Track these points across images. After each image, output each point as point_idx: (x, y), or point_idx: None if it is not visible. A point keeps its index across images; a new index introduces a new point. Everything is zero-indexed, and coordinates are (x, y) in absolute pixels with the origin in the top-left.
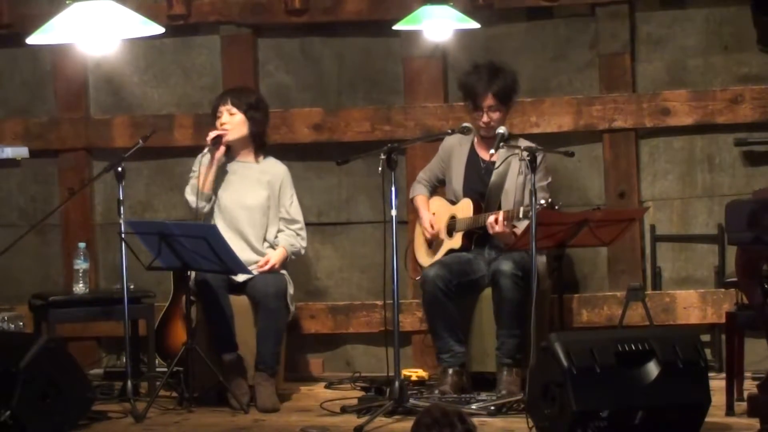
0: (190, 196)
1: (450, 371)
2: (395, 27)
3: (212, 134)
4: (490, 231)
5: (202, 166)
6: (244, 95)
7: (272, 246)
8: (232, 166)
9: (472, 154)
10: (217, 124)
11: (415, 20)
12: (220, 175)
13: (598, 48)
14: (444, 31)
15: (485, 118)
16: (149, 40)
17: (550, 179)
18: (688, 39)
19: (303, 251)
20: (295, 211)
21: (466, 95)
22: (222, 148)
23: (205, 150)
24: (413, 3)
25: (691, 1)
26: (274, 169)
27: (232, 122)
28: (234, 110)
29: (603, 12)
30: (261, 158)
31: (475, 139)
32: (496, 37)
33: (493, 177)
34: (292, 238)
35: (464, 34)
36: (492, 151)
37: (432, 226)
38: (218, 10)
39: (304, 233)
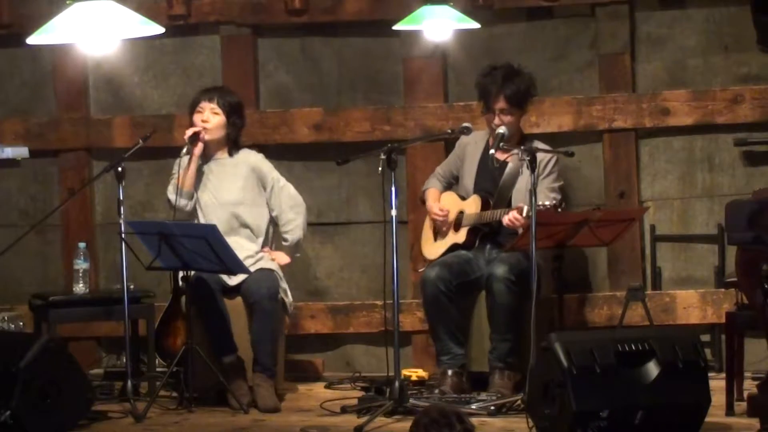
0: (171, 195)
1: (449, 372)
2: (395, 27)
3: (190, 131)
4: (513, 226)
5: (181, 165)
6: (228, 96)
7: (263, 233)
8: (207, 166)
9: (486, 153)
10: (197, 119)
11: (415, 20)
12: (197, 175)
13: (598, 48)
14: (444, 31)
15: (497, 121)
16: (149, 40)
17: (561, 182)
18: (688, 39)
19: (302, 234)
20: (276, 202)
21: (480, 96)
22: (200, 145)
23: (183, 151)
24: (413, 3)
25: (691, 1)
26: (248, 159)
27: (213, 122)
28: (218, 110)
29: (603, 12)
30: (234, 152)
31: (490, 139)
32: (496, 37)
33: (505, 176)
34: (284, 240)
35: (464, 34)
36: (491, 151)
37: (441, 210)
38: (218, 10)
39: (291, 223)
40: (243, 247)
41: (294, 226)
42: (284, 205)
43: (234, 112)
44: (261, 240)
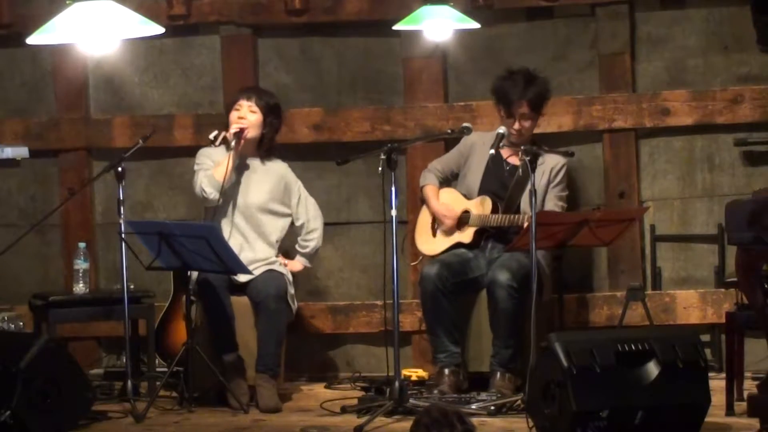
0: (209, 188)
1: (446, 371)
2: (395, 27)
3: (234, 128)
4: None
5: (213, 158)
6: (267, 97)
7: (276, 243)
8: (237, 166)
9: (496, 155)
10: (234, 116)
11: (415, 20)
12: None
13: (598, 48)
14: (444, 31)
15: (517, 125)
16: (149, 40)
17: (567, 192)
18: (688, 39)
19: (317, 247)
20: (303, 210)
21: (499, 101)
22: (242, 142)
23: (217, 143)
24: (413, 3)
25: (691, 1)
26: (278, 169)
27: (250, 119)
28: (255, 109)
29: (603, 12)
30: (266, 159)
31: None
32: (496, 37)
33: (516, 180)
34: (302, 247)
35: (464, 34)
36: (492, 151)
37: (451, 217)
38: (218, 10)
39: (315, 232)
40: (259, 249)
41: (317, 236)
42: (310, 215)
43: (271, 113)
44: (276, 246)
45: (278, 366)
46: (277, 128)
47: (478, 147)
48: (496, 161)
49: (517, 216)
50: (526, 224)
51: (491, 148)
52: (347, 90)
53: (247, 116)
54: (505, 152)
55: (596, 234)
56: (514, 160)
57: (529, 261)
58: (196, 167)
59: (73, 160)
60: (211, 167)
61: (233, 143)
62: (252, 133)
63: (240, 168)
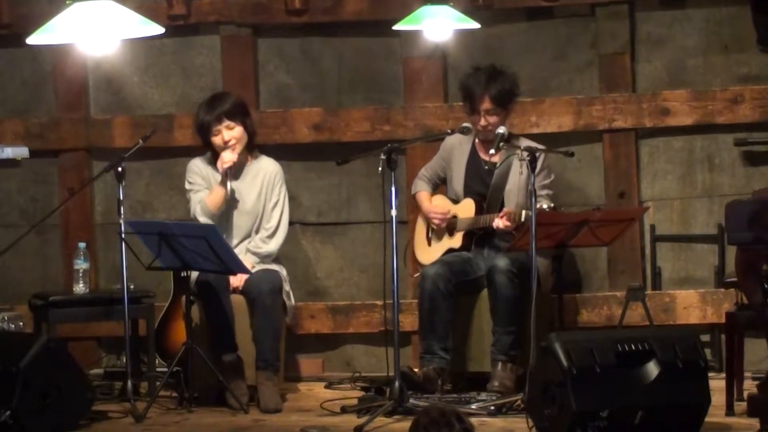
0: (202, 217)
1: (428, 367)
2: (395, 27)
3: (226, 165)
4: (496, 228)
5: (203, 175)
6: (229, 104)
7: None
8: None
9: (473, 155)
10: (218, 141)
11: (415, 20)
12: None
13: (598, 48)
14: (444, 31)
15: (483, 122)
16: (149, 40)
17: (552, 177)
18: (688, 39)
19: (272, 253)
20: (276, 214)
21: (464, 98)
22: (231, 176)
23: (199, 160)
24: (413, 3)
25: (691, 1)
26: (267, 167)
27: (236, 136)
28: (232, 124)
29: (603, 12)
30: (255, 156)
31: (476, 140)
32: (496, 37)
33: (495, 177)
34: (255, 246)
35: (464, 34)
36: (491, 151)
37: (442, 213)
38: (218, 10)
39: (278, 238)
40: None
41: (276, 243)
42: (280, 224)
43: (243, 114)
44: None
45: (278, 361)
46: (253, 123)
47: (456, 150)
48: (474, 161)
49: (497, 213)
50: (500, 223)
51: (492, 148)
52: (347, 90)
53: (232, 135)
54: (480, 149)
55: (596, 234)
56: (488, 157)
57: (527, 254)
58: (187, 185)
59: (73, 160)
60: (203, 187)
61: (227, 178)
62: (242, 144)
63: (234, 175)
